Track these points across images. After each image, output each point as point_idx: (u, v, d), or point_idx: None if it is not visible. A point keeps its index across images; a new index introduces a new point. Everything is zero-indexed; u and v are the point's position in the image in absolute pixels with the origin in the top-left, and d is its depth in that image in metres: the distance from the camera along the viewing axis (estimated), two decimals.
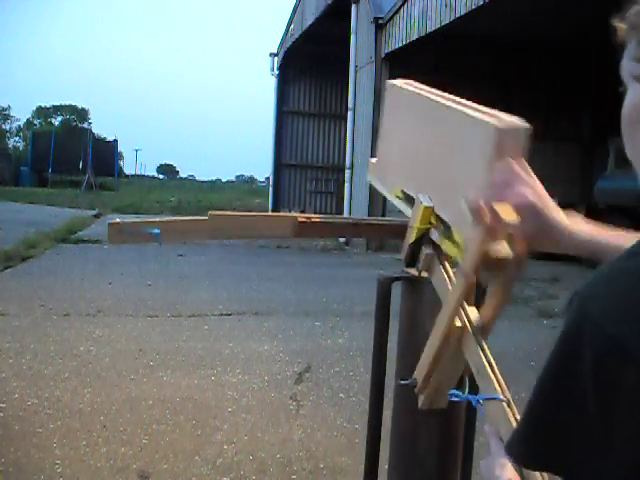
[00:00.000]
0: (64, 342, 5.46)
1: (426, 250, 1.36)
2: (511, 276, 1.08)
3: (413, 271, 1.44)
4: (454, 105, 1.30)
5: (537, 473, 0.91)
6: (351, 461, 3.44)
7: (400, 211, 1.51)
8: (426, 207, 1.34)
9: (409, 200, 1.46)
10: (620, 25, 0.74)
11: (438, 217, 1.28)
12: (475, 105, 1.23)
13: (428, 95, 1.43)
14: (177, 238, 1.63)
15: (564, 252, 0.96)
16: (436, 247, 1.34)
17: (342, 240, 14.70)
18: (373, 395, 1.57)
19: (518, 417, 1.01)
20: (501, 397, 1.06)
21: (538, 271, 9.77)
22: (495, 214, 0.93)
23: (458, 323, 1.20)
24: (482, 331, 1.19)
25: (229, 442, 3.64)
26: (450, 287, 1.27)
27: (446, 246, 1.24)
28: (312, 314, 6.98)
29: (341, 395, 4.50)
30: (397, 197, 1.53)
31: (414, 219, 1.37)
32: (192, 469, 3.31)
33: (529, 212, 0.92)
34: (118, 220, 1.60)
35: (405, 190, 1.48)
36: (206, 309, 6.99)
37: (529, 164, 1.02)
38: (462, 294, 1.17)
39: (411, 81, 1.58)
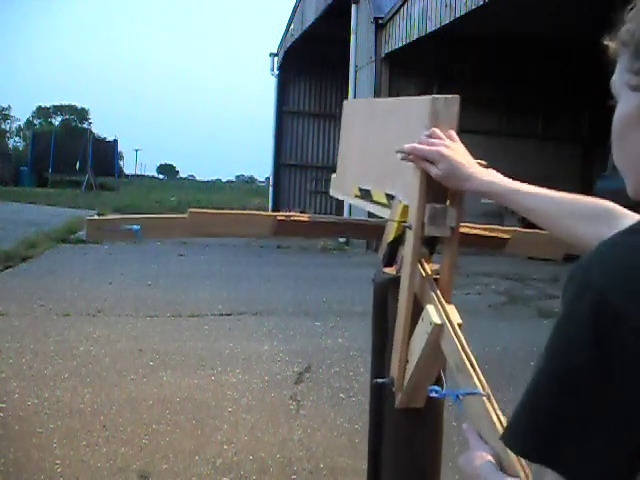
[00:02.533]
0: (64, 342, 5.46)
1: (403, 249, 1.37)
2: (454, 231, 1.26)
3: (391, 270, 1.44)
4: (395, 99, 1.54)
5: (517, 463, 0.92)
6: (351, 461, 3.44)
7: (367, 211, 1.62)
8: (405, 205, 1.36)
9: (366, 194, 1.54)
10: (610, 43, 0.82)
11: (388, 195, 1.43)
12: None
13: (374, 99, 1.69)
14: (157, 235, 1.64)
15: (477, 194, 1.20)
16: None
17: (342, 240, 14.70)
18: (373, 396, 1.57)
19: (499, 412, 1.02)
20: (481, 392, 1.06)
21: (538, 271, 9.77)
22: (417, 156, 1.23)
23: (436, 319, 1.20)
24: (445, 290, 1.26)
25: (229, 442, 3.64)
26: (428, 288, 1.28)
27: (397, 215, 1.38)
28: (312, 314, 6.98)
29: (341, 395, 4.50)
30: (356, 196, 1.59)
31: (392, 217, 1.39)
32: (192, 469, 3.31)
33: (439, 157, 1.20)
34: (96, 217, 1.59)
35: (360, 186, 1.57)
36: (206, 309, 6.98)
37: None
38: (415, 251, 1.26)
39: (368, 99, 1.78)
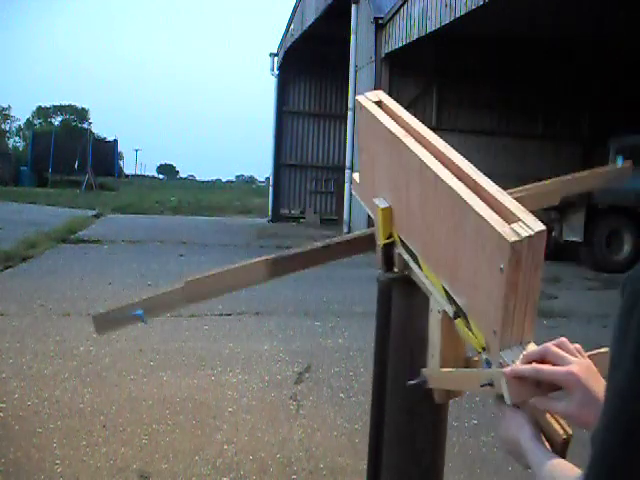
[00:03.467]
0: (64, 342, 5.46)
1: (397, 250, 1.35)
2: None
3: (393, 272, 1.44)
4: (450, 180, 1.12)
5: (555, 425, 0.90)
6: (351, 461, 3.44)
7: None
8: (384, 208, 1.32)
9: (410, 253, 1.33)
10: None
11: (449, 296, 1.17)
12: (473, 174, 1.11)
13: (402, 140, 1.26)
14: (160, 311, 1.68)
15: None
16: (405, 245, 1.33)
17: None
18: (375, 396, 1.57)
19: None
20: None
21: None
22: (538, 388, 0.90)
23: (445, 308, 1.18)
24: None
25: (229, 442, 3.64)
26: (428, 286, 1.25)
27: (465, 334, 1.14)
28: (312, 314, 6.98)
29: (341, 395, 4.50)
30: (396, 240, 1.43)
31: (377, 223, 1.36)
32: (192, 469, 3.31)
33: (573, 382, 0.86)
34: (100, 311, 1.69)
35: (404, 240, 1.36)
36: (206, 309, 6.98)
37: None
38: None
39: (383, 96, 1.43)
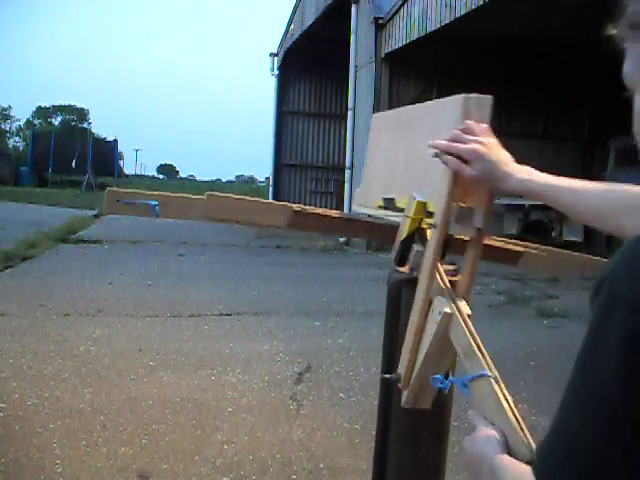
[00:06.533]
0: (64, 342, 5.46)
1: (417, 247, 1.37)
2: (480, 232, 1.23)
3: (404, 270, 1.44)
4: (423, 104, 1.51)
5: (524, 444, 0.91)
6: (351, 461, 3.44)
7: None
8: (419, 202, 1.37)
9: (389, 203, 1.53)
10: (616, 31, 0.74)
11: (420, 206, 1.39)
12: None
13: (402, 108, 1.63)
14: (174, 214, 1.63)
15: (514, 193, 1.13)
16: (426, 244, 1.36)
17: (342, 240, 14.69)
18: (382, 393, 1.57)
19: (505, 392, 1.00)
20: (489, 373, 1.04)
21: None
22: (451, 154, 1.16)
23: (446, 309, 1.20)
24: (464, 293, 1.25)
25: (229, 442, 3.64)
26: (441, 283, 1.27)
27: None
28: (312, 314, 6.98)
29: (341, 395, 4.50)
30: (379, 207, 1.58)
31: (407, 214, 1.38)
32: (192, 469, 3.31)
33: (474, 155, 1.13)
34: (116, 188, 1.61)
35: (384, 196, 1.56)
36: (206, 309, 6.99)
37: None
38: (437, 249, 1.24)
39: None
